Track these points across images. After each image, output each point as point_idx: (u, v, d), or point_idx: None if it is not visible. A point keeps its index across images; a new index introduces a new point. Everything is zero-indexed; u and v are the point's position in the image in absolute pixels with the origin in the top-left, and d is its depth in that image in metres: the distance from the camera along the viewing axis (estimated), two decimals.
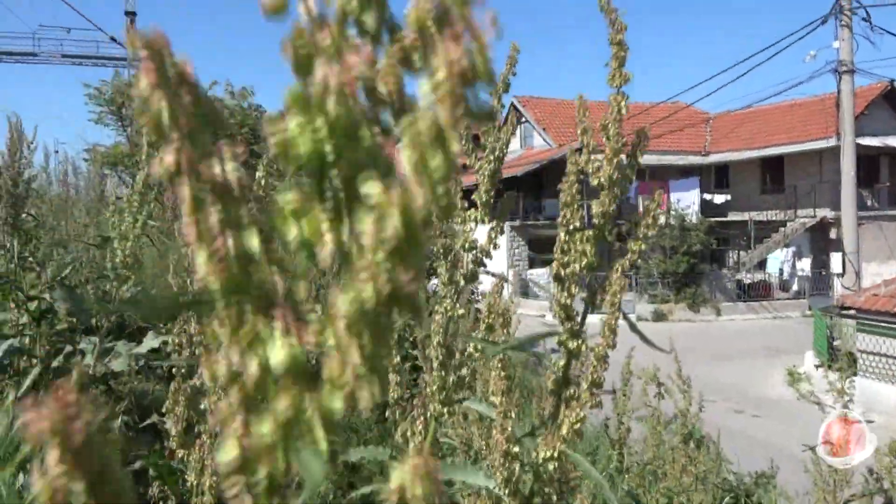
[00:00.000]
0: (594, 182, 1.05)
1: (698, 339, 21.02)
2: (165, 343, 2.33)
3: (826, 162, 25.59)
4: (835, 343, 15.53)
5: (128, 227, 2.30)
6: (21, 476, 1.81)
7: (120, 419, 2.40)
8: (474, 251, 1.06)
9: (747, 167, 29.08)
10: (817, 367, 15.42)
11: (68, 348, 2.57)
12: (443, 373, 0.99)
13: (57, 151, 6.56)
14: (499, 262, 27.23)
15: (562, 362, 0.96)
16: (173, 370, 1.35)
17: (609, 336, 0.98)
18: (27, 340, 2.39)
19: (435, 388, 0.98)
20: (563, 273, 0.99)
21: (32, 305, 2.55)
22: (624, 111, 1.04)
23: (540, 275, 28.43)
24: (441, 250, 1.01)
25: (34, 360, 2.47)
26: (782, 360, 17.06)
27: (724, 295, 24.69)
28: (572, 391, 0.97)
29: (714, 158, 29.85)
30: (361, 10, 0.24)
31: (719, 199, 28.72)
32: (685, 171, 29.43)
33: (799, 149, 25.85)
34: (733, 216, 28.39)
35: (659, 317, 23.96)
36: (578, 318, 0.99)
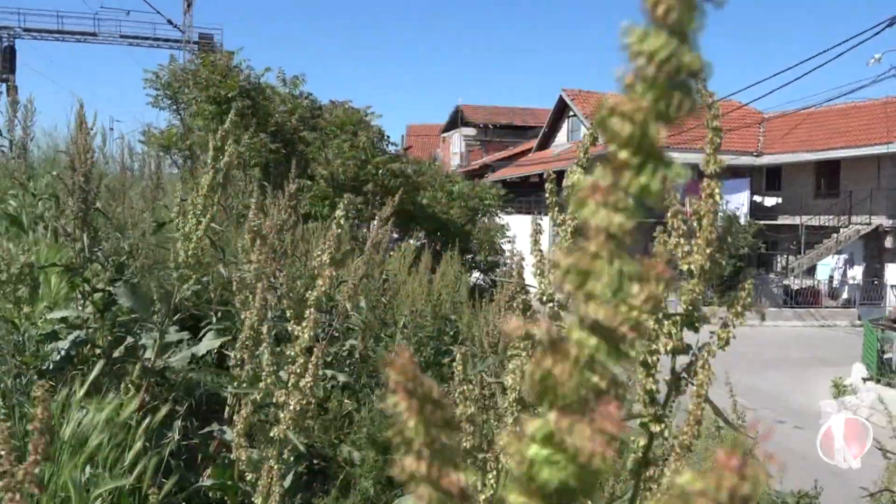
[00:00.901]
0: (683, 267, 1.05)
1: (741, 345, 20.36)
2: (224, 345, 2.39)
3: (885, 168, 24.75)
4: (885, 356, 15.07)
5: (191, 228, 2.36)
6: (87, 469, 1.89)
7: (175, 413, 2.48)
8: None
9: (801, 170, 28.30)
10: (865, 380, 14.99)
11: (129, 340, 2.66)
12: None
13: (112, 129, 6.73)
14: None
15: (642, 442, 0.96)
16: (236, 385, 1.39)
17: (693, 426, 0.98)
18: (92, 332, 2.48)
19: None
20: (649, 359, 0.99)
21: (97, 297, 2.65)
22: (718, 198, 1.03)
23: None
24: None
25: (97, 351, 2.56)
26: (828, 370, 16.62)
27: (770, 300, 24.14)
28: (652, 472, 0.97)
29: (767, 160, 29.11)
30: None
31: (770, 201, 28.02)
32: (736, 172, 28.75)
33: (857, 153, 25.03)
34: (784, 219, 27.68)
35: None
36: (662, 402, 1.00)
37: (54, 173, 5.91)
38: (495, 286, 13.17)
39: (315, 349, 1.15)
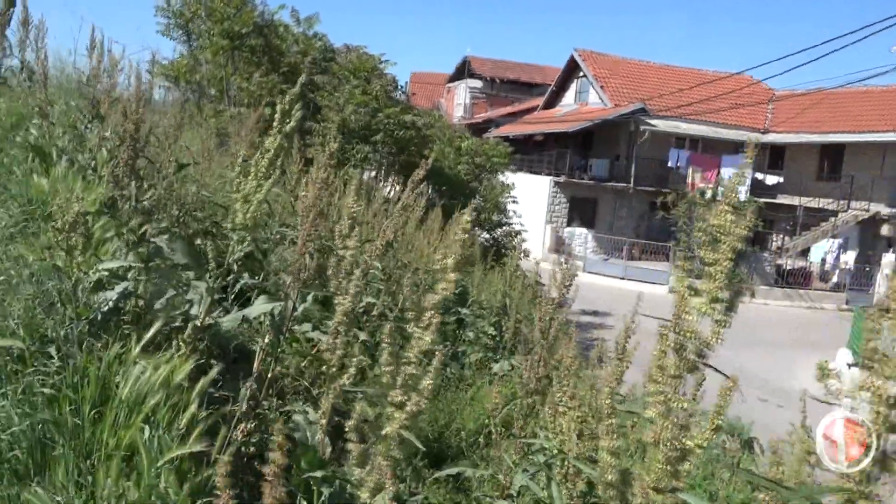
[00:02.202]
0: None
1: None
2: (281, 313, 2.37)
3: (890, 156, 24.70)
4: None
5: (252, 190, 2.31)
6: (146, 430, 1.88)
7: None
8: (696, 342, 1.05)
9: (805, 151, 28.22)
10: (850, 365, 15.25)
11: (171, 292, 2.63)
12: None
13: (110, 51, 6.53)
14: (537, 216, 27.07)
15: None
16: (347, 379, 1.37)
17: None
18: (136, 284, 2.44)
19: None
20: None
21: (142, 249, 2.61)
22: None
23: (578, 234, 28.24)
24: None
25: (141, 303, 2.54)
26: (813, 353, 16.87)
27: (761, 278, 24.34)
28: None
29: (772, 138, 28.95)
30: None
31: (771, 179, 27.98)
32: (740, 147, 28.64)
33: (864, 139, 24.93)
34: (783, 199, 27.70)
35: (693, 292, 23.71)
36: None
37: (73, 103, 5.78)
38: (500, 247, 13.15)
39: (438, 353, 1.13)
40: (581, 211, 28.84)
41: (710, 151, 28.27)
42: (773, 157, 29.61)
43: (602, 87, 29.66)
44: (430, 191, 13.30)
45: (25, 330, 2.14)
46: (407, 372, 1.14)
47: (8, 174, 4.89)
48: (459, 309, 6.47)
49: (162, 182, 3.09)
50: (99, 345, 2.23)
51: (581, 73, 31.80)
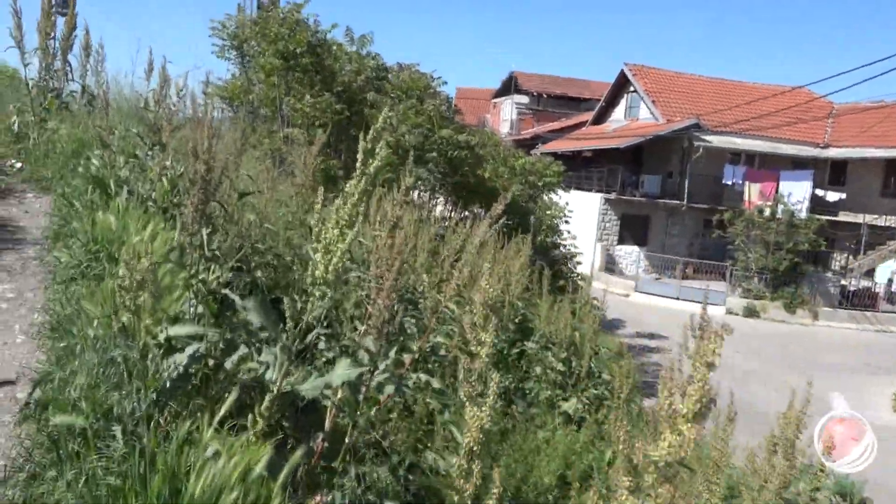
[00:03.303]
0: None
1: (792, 344, 19.97)
2: (362, 376, 2.10)
3: None
4: None
5: (332, 239, 2.05)
6: None
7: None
8: None
9: (869, 166, 27.07)
10: None
11: (243, 350, 2.38)
12: None
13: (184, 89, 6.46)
14: (587, 234, 26.51)
15: None
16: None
17: None
18: (210, 346, 2.20)
19: None
20: None
21: (212, 301, 2.37)
22: None
23: (629, 252, 27.58)
24: None
25: (212, 362, 2.29)
26: (886, 380, 15.98)
27: (825, 300, 23.32)
28: None
29: (832, 153, 27.89)
30: None
31: (832, 196, 26.86)
32: (798, 163, 27.66)
33: None
34: (844, 216, 26.58)
35: (750, 313, 22.89)
36: None
37: (133, 130, 5.68)
38: (556, 272, 12.76)
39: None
40: (632, 229, 28.19)
41: (767, 167, 27.35)
42: (835, 172, 28.51)
43: (654, 101, 29.04)
44: (483, 213, 13.03)
45: (88, 404, 1.91)
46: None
47: (69, 206, 4.78)
48: (525, 343, 6.14)
49: (233, 227, 2.86)
50: (167, 416, 1.99)
51: (631, 88, 31.22)
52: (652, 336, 18.64)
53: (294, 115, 11.12)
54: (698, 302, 23.48)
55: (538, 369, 6.02)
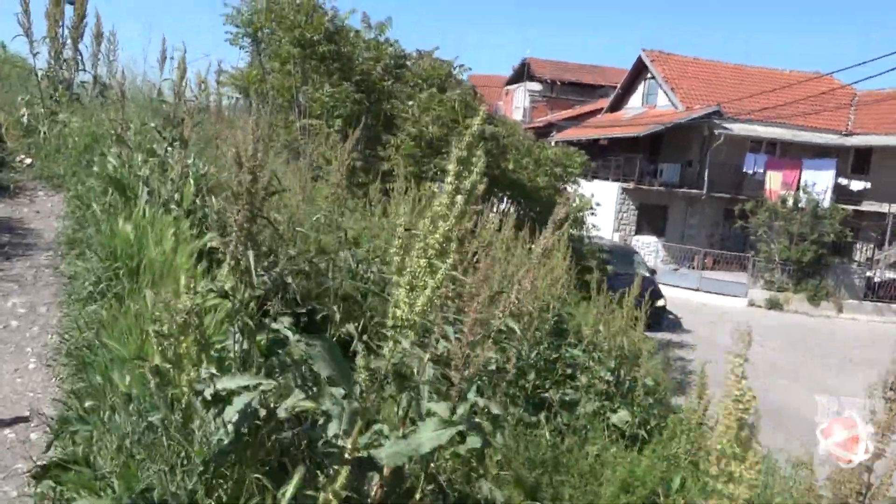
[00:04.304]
0: None
1: (817, 338, 19.48)
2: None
3: None
4: None
5: (419, 271, 1.65)
6: None
7: None
8: None
9: (895, 154, 26.38)
10: None
11: (299, 395, 1.99)
12: None
13: (173, 58, 6.07)
14: (605, 224, 26.02)
15: None
16: None
17: None
18: (265, 396, 1.80)
19: None
20: None
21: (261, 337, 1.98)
22: None
23: (647, 243, 27.07)
24: None
25: (264, 412, 1.90)
26: None
27: (848, 291, 22.79)
28: None
29: (856, 140, 27.20)
30: None
31: (857, 185, 26.21)
32: (821, 151, 27.00)
33: None
34: (868, 206, 25.94)
35: (773, 305, 22.39)
36: None
37: (152, 124, 5.27)
38: (584, 266, 12.33)
39: None
40: (650, 218, 27.67)
41: (789, 156, 26.73)
42: (858, 161, 27.82)
43: (672, 88, 28.40)
44: (507, 204, 12.58)
45: (121, 482, 1.51)
46: None
47: (85, 208, 4.39)
48: (569, 348, 5.72)
49: (284, 248, 2.45)
50: (219, 492, 1.60)
51: (649, 75, 30.58)
52: (674, 329, 18.22)
53: (313, 106, 10.69)
54: (719, 293, 22.98)
55: (584, 378, 5.62)
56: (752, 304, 22.51)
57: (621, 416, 5.36)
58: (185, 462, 1.54)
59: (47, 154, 6.37)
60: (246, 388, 1.69)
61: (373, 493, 2.23)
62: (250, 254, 1.95)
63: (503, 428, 3.51)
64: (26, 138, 6.92)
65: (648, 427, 5.49)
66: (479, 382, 4.29)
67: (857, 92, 29.65)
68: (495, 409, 2.92)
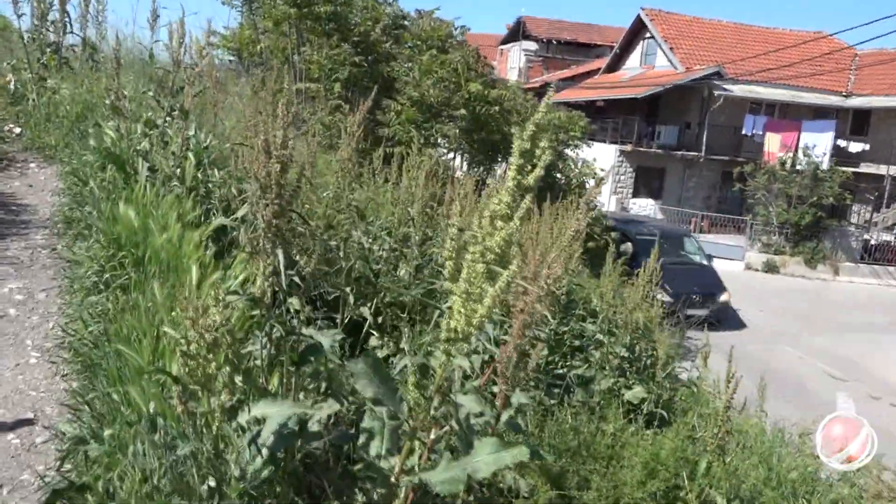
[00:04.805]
0: None
1: (815, 301, 19.46)
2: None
3: None
4: None
5: (476, 278, 1.46)
6: None
7: None
8: None
9: (894, 116, 26.12)
10: None
11: (333, 405, 1.82)
12: None
13: (159, 16, 5.81)
14: (602, 187, 25.78)
15: None
16: None
17: None
18: (303, 416, 1.63)
19: None
20: None
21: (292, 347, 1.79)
22: None
23: (644, 205, 26.90)
24: None
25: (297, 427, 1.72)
26: None
27: (846, 254, 22.77)
28: None
29: (856, 102, 26.89)
30: None
31: (855, 147, 26.01)
32: (820, 113, 26.71)
33: None
34: (866, 168, 25.78)
35: (770, 268, 22.34)
36: None
37: (150, 93, 5.00)
38: (588, 234, 12.14)
39: None
40: (647, 181, 27.45)
41: (788, 117, 26.44)
42: (857, 122, 27.55)
43: (672, 48, 27.90)
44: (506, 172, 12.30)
45: None
46: None
47: (82, 184, 4.16)
48: (580, 323, 5.58)
49: (315, 245, 2.24)
50: None
51: (648, 34, 30.00)
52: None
53: (310, 69, 10.33)
54: (717, 257, 22.89)
55: (597, 354, 5.49)
56: (748, 267, 22.46)
57: (636, 393, 5.24)
58: (219, 498, 1.36)
59: (37, 123, 6.08)
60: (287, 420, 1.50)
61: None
62: (280, 253, 1.75)
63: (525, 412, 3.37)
64: (14, 106, 6.62)
65: (662, 401, 5.37)
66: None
67: (859, 53, 29.23)
68: (523, 399, 2.76)
